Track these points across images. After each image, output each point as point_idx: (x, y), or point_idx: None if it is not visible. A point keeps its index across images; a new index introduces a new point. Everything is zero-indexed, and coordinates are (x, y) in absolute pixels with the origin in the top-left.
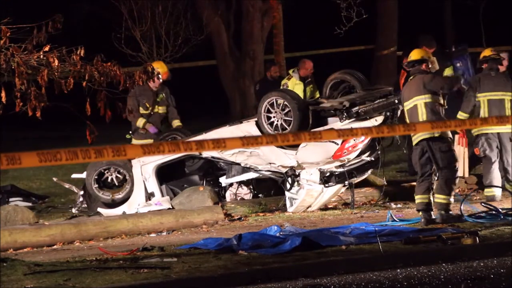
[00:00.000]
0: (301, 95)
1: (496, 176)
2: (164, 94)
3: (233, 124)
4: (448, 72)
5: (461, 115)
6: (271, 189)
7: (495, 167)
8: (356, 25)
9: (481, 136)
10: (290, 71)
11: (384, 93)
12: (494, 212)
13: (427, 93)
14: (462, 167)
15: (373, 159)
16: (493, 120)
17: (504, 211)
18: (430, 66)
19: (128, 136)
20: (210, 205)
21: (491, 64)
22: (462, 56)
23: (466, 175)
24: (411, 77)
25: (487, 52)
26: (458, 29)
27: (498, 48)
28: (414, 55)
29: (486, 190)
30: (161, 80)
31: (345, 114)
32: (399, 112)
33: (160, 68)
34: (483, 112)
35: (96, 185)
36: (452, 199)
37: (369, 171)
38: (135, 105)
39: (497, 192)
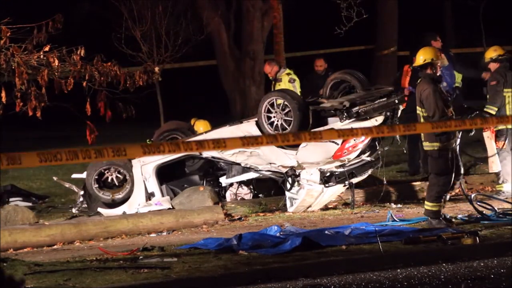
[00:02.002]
0: None
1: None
2: None
3: (233, 124)
4: None
5: (491, 109)
6: (271, 189)
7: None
8: (356, 25)
9: (504, 130)
10: None
11: (384, 93)
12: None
13: (423, 107)
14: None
15: (373, 159)
16: (493, 120)
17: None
18: (439, 64)
19: (148, 142)
20: (210, 205)
21: (505, 63)
22: None
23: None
24: (418, 81)
25: (500, 51)
26: (458, 29)
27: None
28: (417, 59)
29: (498, 185)
30: None
31: (345, 114)
32: (399, 112)
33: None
34: (509, 108)
35: (96, 185)
36: (437, 208)
37: (369, 171)
38: None
39: (506, 187)
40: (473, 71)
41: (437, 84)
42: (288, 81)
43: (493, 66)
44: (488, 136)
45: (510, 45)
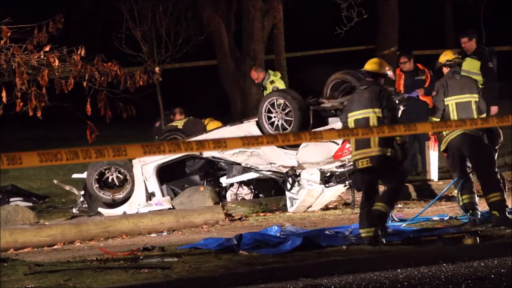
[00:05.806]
0: None
1: None
2: None
3: (234, 124)
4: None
5: (432, 120)
6: (271, 189)
7: None
8: (357, 25)
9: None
10: None
11: None
12: None
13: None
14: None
15: None
16: (493, 120)
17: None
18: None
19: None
20: (211, 205)
21: (455, 68)
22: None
23: (436, 179)
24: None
25: (449, 56)
26: (458, 29)
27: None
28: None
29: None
30: None
31: None
32: (400, 112)
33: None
34: (453, 116)
35: (97, 185)
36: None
37: None
38: None
39: None
40: None
41: None
42: (272, 90)
43: (445, 71)
44: (427, 146)
45: (510, 45)
